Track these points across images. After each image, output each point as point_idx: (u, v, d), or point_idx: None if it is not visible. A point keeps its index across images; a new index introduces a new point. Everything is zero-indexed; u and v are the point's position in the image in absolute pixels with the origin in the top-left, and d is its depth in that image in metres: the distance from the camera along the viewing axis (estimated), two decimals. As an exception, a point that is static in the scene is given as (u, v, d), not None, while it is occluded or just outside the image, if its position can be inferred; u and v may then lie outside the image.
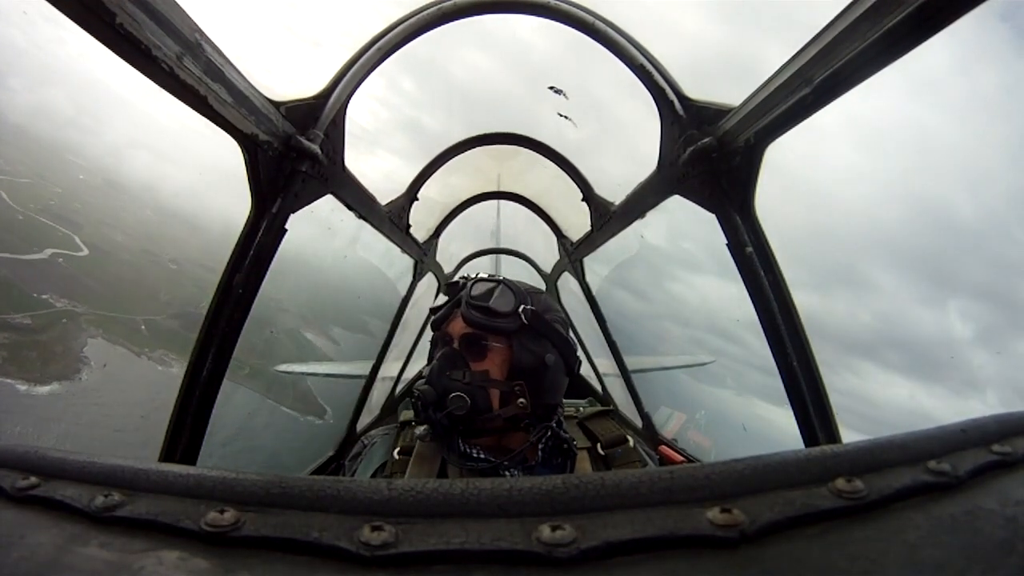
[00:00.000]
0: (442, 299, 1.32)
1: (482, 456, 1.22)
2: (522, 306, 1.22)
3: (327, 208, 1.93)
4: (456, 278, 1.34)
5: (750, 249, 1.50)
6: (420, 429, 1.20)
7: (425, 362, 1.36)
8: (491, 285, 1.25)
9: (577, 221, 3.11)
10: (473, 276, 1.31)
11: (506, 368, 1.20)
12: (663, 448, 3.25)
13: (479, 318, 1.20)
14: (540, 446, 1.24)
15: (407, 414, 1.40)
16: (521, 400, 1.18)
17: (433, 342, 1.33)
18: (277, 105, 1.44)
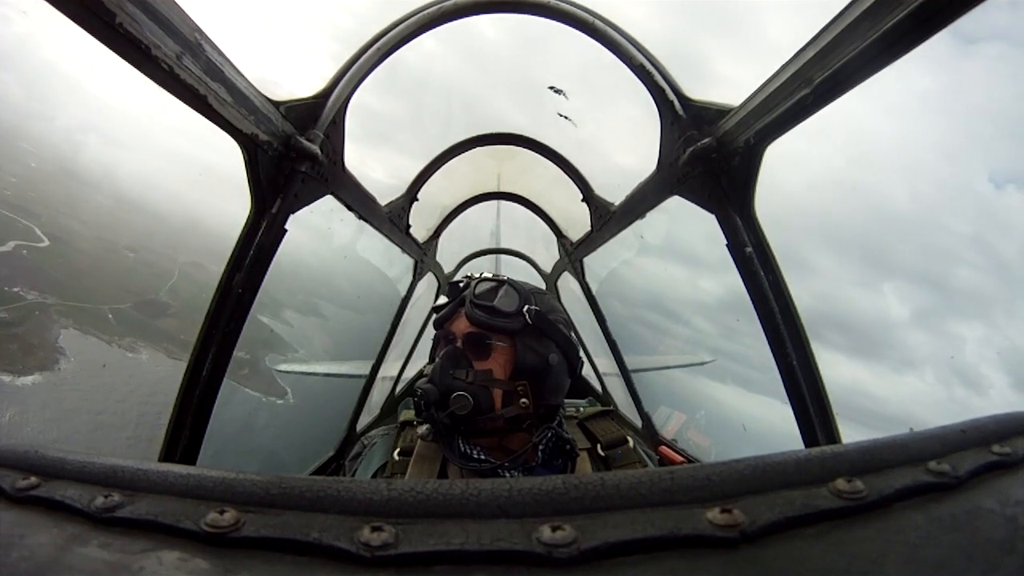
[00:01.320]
0: (443, 299, 1.32)
1: (483, 457, 1.22)
2: (526, 306, 1.22)
3: (327, 208, 1.93)
4: (458, 277, 1.34)
5: (750, 249, 1.50)
6: (422, 428, 1.19)
7: (426, 361, 1.36)
8: (495, 284, 1.25)
9: (577, 221, 3.12)
10: (476, 275, 1.30)
11: (510, 368, 1.20)
12: (663, 448, 3.25)
13: (483, 317, 1.20)
14: (540, 447, 1.24)
15: (407, 414, 1.40)
16: (524, 400, 1.18)
17: (435, 341, 1.33)
18: (277, 105, 1.44)
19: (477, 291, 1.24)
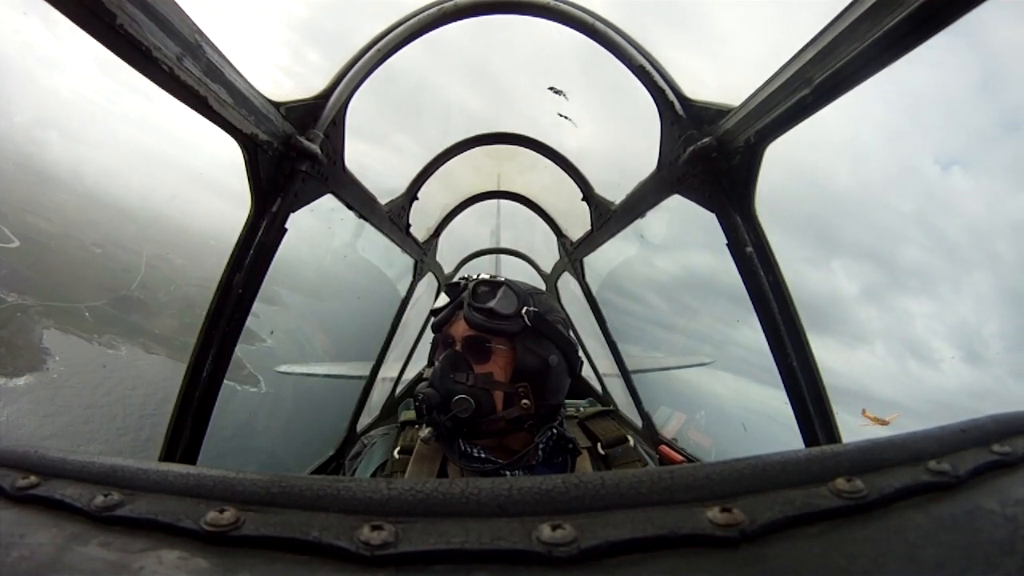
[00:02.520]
0: (443, 299, 1.31)
1: (483, 456, 1.22)
2: (525, 307, 1.21)
3: (327, 208, 1.93)
4: (456, 278, 1.33)
5: (750, 249, 1.50)
6: (424, 432, 1.19)
7: (426, 363, 1.36)
8: (493, 286, 1.24)
9: (577, 221, 3.12)
10: (474, 276, 1.30)
11: (510, 370, 1.19)
12: (663, 448, 3.25)
13: (482, 320, 1.19)
14: (541, 446, 1.24)
15: (407, 414, 1.40)
16: (525, 401, 1.18)
17: (434, 344, 1.33)
18: (277, 105, 1.44)
19: (475, 293, 1.23)
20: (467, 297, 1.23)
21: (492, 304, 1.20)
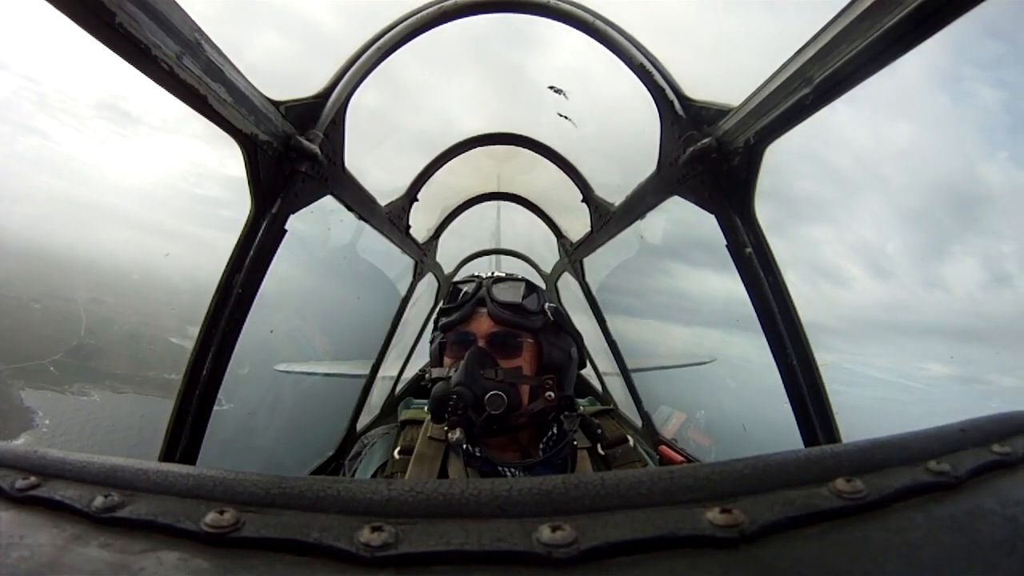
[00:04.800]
0: (445, 300, 1.31)
1: (482, 455, 1.22)
2: (546, 303, 1.26)
3: (327, 208, 1.93)
4: (459, 277, 1.33)
5: (749, 250, 1.50)
6: (456, 434, 1.14)
7: (426, 362, 1.35)
8: (515, 283, 1.27)
9: (577, 221, 3.12)
10: (484, 275, 1.30)
11: (536, 364, 1.23)
12: (663, 448, 3.25)
13: (510, 316, 1.21)
14: (541, 445, 1.25)
15: (407, 414, 1.40)
16: (550, 394, 1.21)
17: (443, 343, 1.29)
18: (277, 105, 1.44)
19: (498, 290, 1.24)
20: (486, 294, 1.23)
21: (520, 300, 1.23)
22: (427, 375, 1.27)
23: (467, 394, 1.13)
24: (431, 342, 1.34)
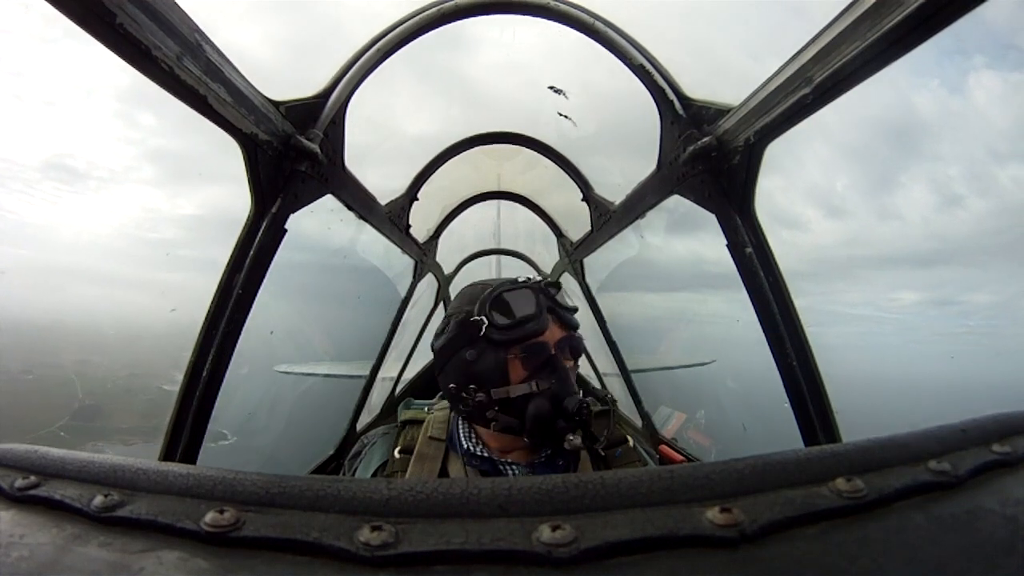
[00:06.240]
0: (521, 308, 1.21)
1: (486, 455, 1.22)
2: None
3: (327, 208, 1.93)
4: (487, 278, 1.28)
5: (750, 249, 1.50)
6: (578, 439, 1.11)
7: (427, 361, 1.33)
8: (557, 288, 1.25)
9: (577, 221, 3.11)
10: (523, 279, 1.25)
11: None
12: (663, 448, 3.25)
13: (574, 322, 1.23)
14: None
15: (407, 414, 1.40)
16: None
17: (508, 358, 1.15)
18: (277, 105, 1.44)
19: (556, 295, 1.23)
20: (548, 301, 1.20)
21: (573, 304, 1.24)
22: (479, 396, 1.14)
23: (580, 401, 1.12)
24: (471, 360, 1.15)
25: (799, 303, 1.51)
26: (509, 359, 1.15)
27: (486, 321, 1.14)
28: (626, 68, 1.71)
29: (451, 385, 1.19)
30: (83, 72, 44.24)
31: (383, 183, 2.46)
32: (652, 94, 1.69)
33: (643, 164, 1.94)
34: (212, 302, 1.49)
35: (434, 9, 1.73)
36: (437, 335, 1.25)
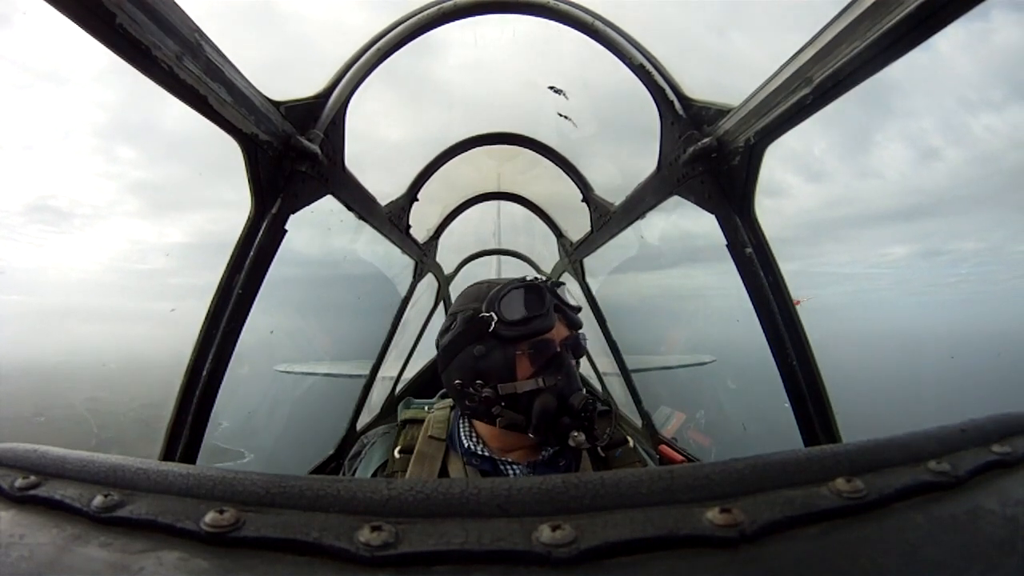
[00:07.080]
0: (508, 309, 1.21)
1: (486, 453, 1.22)
2: None
3: (327, 208, 1.93)
4: (488, 278, 1.28)
5: (750, 250, 1.50)
6: (582, 437, 1.11)
7: (428, 361, 1.33)
8: (561, 286, 1.26)
9: (577, 221, 3.11)
10: (530, 278, 1.25)
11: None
12: (663, 448, 3.25)
13: (579, 321, 1.23)
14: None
15: (407, 413, 1.40)
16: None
17: (516, 354, 1.16)
18: (277, 105, 1.44)
19: (564, 294, 1.23)
20: (555, 300, 1.20)
21: (571, 303, 1.23)
22: (486, 392, 1.14)
23: (587, 399, 1.13)
24: (478, 356, 1.16)
25: (788, 267, 1.50)
26: (517, 355, 1.15)
27: (495, 317, 1.15)
28: (626, 68, 1.71)
29: (456, 381, 1.19)
30: (59, 113, 43.85)
31: (383, 183, 2.46)
32: (652, 94, 1.69)
33: (643, 164, 1.94)
34: (212, 303, 1.49)
35: (434, 9, 1.73)
36: (442, 332, 1.25)
